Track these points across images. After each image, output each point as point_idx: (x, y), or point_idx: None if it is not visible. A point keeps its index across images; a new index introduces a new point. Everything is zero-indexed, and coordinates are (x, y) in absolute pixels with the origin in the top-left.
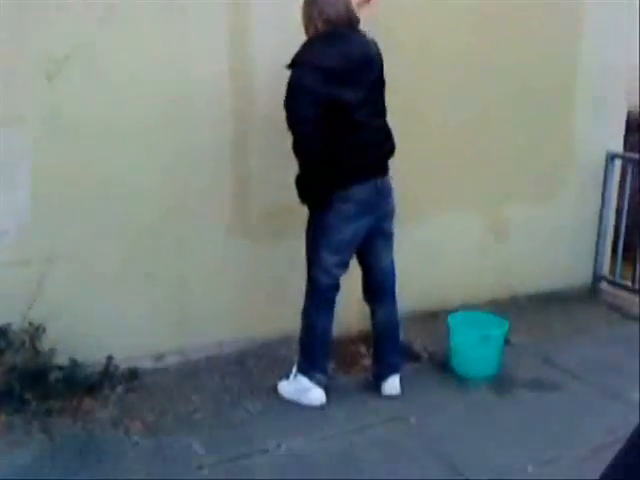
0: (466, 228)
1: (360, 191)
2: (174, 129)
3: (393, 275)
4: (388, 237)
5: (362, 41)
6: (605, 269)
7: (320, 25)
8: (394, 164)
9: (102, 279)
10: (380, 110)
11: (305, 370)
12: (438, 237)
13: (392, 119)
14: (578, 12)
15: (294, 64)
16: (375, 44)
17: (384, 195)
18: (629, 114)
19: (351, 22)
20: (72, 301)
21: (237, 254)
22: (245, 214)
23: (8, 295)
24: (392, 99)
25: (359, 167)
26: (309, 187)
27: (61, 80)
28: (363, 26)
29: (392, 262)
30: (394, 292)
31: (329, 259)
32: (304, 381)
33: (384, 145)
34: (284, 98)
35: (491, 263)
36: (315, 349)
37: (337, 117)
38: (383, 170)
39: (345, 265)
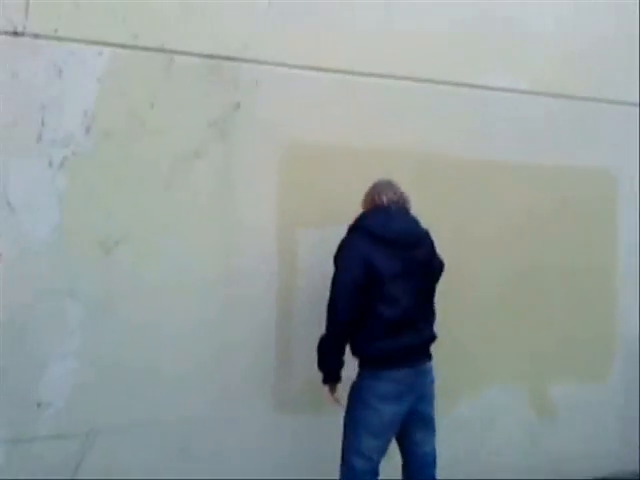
0: (511, 407)
1: (394, 372)
2: (221, 308)
3: (434, 464)
4: (428, 422)
5: (410, 219)
6: None
7: (372, 201)
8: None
9: (140, 452)
10: (425, 296)
11: None
12: (481, 416)
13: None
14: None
15: (349, 230)
16: (426, 230)
17: (422, 376)
18: None
19: (402, 204)
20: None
21: (277, 429)
22: (288, 388)
23: (46, 471)
24: None
25: (392, 350)
26: (328, 353)
27: (115, 258)
28: None
29: (433, 449)
30: None
31: (368, 443)
32: None
33: (422, 331)
34: (334, 257)
35: (539, 445)
36: None
37: (372, 286)
38: (420, 357)
39: (384, 451)
